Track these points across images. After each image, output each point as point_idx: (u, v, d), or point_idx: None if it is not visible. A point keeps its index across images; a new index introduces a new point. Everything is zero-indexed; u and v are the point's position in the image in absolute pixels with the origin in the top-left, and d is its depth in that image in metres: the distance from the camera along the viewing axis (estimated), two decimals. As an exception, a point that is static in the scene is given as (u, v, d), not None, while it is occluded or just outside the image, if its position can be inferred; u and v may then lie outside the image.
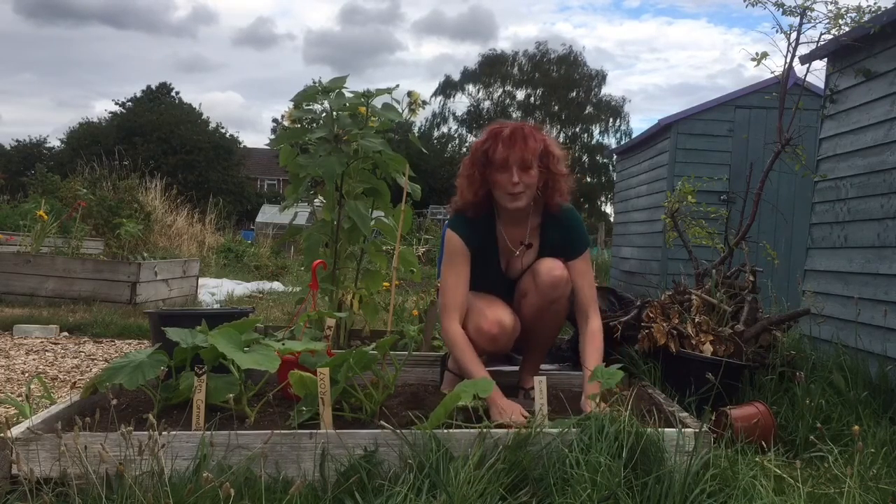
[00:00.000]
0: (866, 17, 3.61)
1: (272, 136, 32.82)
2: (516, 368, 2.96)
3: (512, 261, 2.73)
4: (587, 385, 2.48)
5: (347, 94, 3.44)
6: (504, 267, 2.74)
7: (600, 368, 2.49)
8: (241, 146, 36.77)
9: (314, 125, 3.53)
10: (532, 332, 2.71)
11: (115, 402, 2.41)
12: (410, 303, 4.88)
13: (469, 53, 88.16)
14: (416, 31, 74.63)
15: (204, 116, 34.96)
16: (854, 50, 3.77)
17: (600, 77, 38.61)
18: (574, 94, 38.30)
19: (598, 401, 2.28)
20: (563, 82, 37.97)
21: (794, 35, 3.59)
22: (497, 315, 2.57)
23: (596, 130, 39.03)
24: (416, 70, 72.30)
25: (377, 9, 76.12)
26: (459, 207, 2.69)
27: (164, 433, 1.89)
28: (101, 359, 4.26)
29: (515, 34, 75.24)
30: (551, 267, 2.60)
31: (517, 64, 39.39)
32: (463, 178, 2.65)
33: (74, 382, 3.55)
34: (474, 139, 2.72)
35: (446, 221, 2.75)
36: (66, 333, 5.11)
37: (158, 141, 30.84)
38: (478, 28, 67.74)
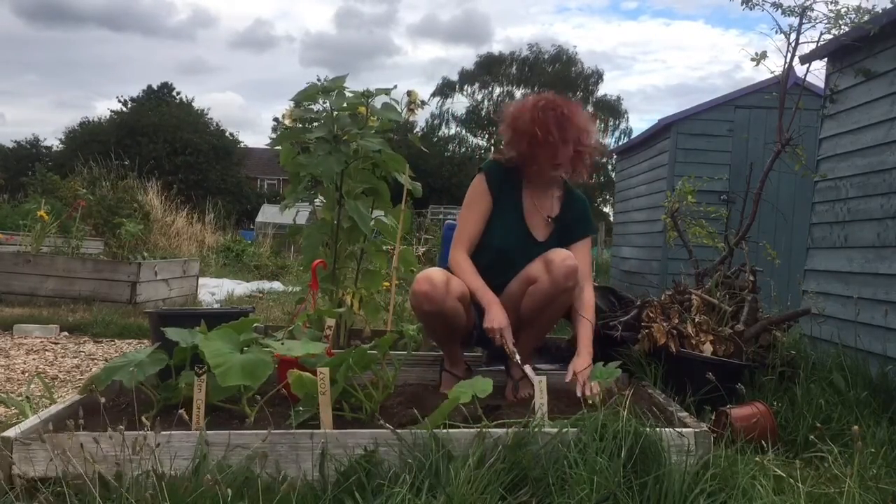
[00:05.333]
0: (866, 18, 3.61)
1: (272, 136, 32.80)
2: None
3: (534, 223, 2.85)
4: (577, 360, 2.60)
5: (347, 94, 3.44)
6: (528, 224, 2.85)
7: (599, 368, 2.49)
8: (241, 146, 36.75)
9: (314, 125, 3.52)
10: (532, 320, 2.72)
11: (113, 401, 2.42)
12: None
13: (465, 56, 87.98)
14: (412, 35, 74.53)
15: (207, 117, 34.97)
16: (854, 50, 3.77)
17: (596, 76, 38.82)
18: (572, 94, 38.35)
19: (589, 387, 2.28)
20: (559, 82, 38.01)
21: (793, 35, 3.59)
22: (426, 274, 2.65)
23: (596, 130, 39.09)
24: (411, 72, 72.16)
25: (373, 12, 76.12)
26: (501, 156, 2.89)
27: (162, 433, 1.89)
28: (101, 359, 4.25)
29: (511, 37, 75.25)
30: (565, 256, 2.66)
31: (515, 64, 39.43)
32: (509, 140, 2.81)
33: (77, 382, 3.55)
34: (501, 111, 2.91)
35: (480, 165, 2.94)
36: (66, 333, 5.11)
37: (163, 142, 30.89)
38: (473, 31, 67.77)
